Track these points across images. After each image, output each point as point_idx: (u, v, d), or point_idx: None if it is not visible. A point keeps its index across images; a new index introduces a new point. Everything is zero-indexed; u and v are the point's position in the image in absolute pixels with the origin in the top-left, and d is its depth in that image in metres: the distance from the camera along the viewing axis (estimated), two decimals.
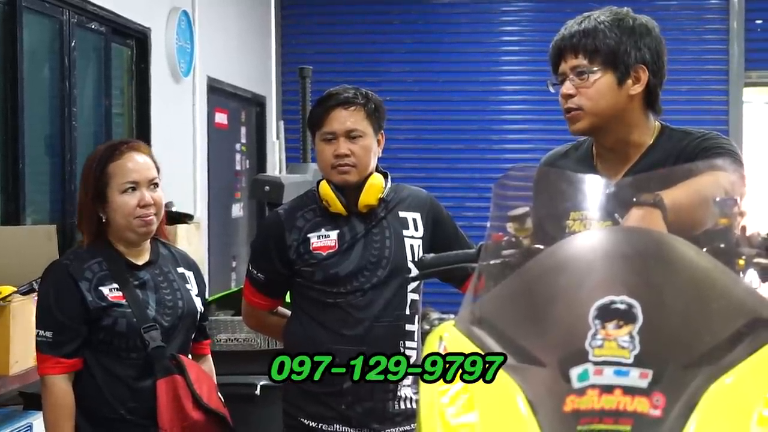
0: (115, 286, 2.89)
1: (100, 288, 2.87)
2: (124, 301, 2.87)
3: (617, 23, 2.54)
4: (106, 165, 2.92)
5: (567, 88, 2.56)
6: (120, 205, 2.90)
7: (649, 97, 2.60)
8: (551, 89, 2.65)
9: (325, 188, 3.11)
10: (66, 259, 2.97)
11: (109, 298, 2.86)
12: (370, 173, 3.13)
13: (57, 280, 2.90)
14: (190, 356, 3.04)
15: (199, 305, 3.06)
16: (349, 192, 3.10)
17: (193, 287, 3.07)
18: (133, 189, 2.91)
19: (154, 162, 3.01)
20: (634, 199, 2.05)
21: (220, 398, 3.02)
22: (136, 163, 2.93)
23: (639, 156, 2.59)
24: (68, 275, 2.87)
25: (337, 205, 3.09)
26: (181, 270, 3.07)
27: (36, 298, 3.00)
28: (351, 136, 3.08)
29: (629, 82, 2.55)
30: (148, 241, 3.01)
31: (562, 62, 2.58)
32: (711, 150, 2.47)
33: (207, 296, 3.21)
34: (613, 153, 2.62)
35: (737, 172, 2.25)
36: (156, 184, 2.97)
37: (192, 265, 3.15)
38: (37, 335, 2.88)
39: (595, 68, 2.52)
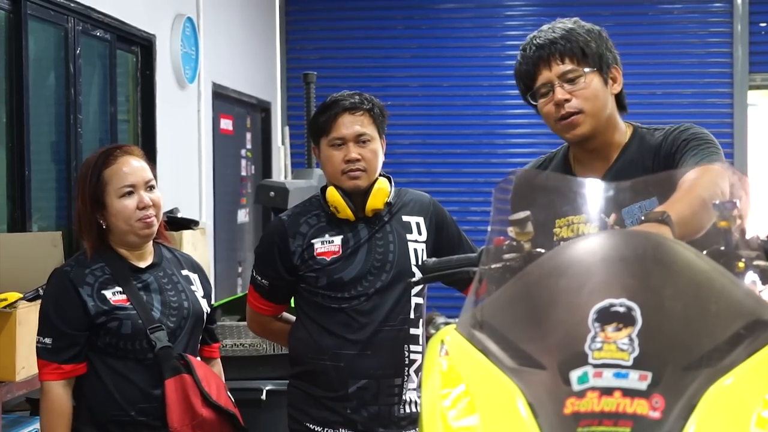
0: (119, 289, 2.90)
1: (103, 292, 2.89)
2: (128, 304, 2.88)
3: (584, 28, 2.60)
4: (101, 171, 2.94)
5: (561, 93, 2.57)
6: (119, 209, 2.92)
7: (619, 97, 2.65)
8: (531, 101, 2.66)
9: (333, 194, 3.11)
10: (67, 265, 2.98)
11: (112, 302, 2.87)
12: (376, 178, 3.14)
13: (57, 287, 2.92)
14: (198, 358, 3.05)
15: (205, 306, 3.07)
16: (356, 197, 3.11)
17: (198, 289, 3.08)
18: (131, 192, 2.92)
19: (149, 164, 3.02)
20: (642, 217, 2.06)
21: (230, 397, 3.03)
22: (131, 166, 2.95)
23: (616, 156, 2.62)
24: (68, 282, 2.89)
25: (346, 211, 3.10)
26: (185, 272, 3.09)
27: None
28: (360, 140, 3.09)
29: (610, 81, 2.60)
30: (151, 244, 3.03)
31: (545, 72, 2.58)
32: (690, 141, 2.50)
33: (212, 299, 3.22)
34: (594, 156, 2.65)
35: (728, 167, 2.28)
36: (152, 186, 2.98)
37: (197, 268, 3.16)
38: (38, 342, 2.90)
39: (587, 70, 2.55)
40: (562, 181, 2.22)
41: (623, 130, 2.66)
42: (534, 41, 2.61)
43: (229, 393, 3.06)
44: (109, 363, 2.89)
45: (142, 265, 2.99)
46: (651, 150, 2.57)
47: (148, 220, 2.93)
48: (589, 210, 2.11)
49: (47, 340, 2.87)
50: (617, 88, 2.62)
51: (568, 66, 2.56)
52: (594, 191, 2.13)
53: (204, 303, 3.08)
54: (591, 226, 2.08)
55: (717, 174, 2.21)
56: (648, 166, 2.53)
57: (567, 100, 2.56)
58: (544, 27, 2.63)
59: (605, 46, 2.60)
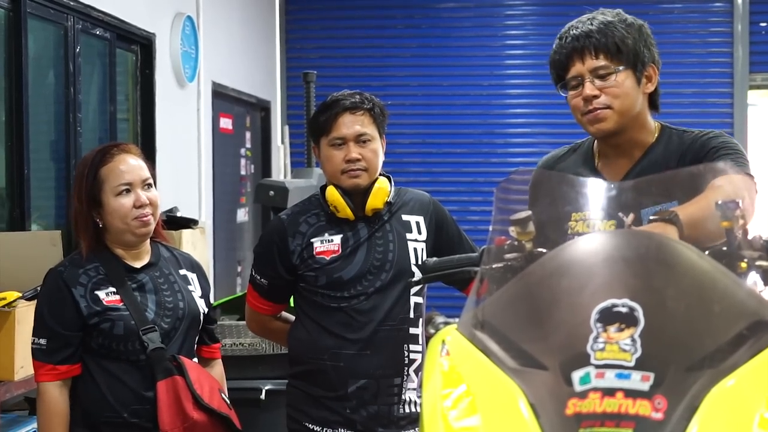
0: (112, 289, 2.88)
1: (96, 292, 2.87)
2: (121, 305, 2.87)
3: (624, 23, 2.54)
4: (97, 170, 2.91)
5: (590, 89, 2.52)
6: (116, 208, 2.90)
7: (653, 96, 2.60)
8: (561, 92, 2.62)
9: (333, 193, 3.10)
10: (61, 265, 2.96)
11: (105, 302, 2.86)
12: (376, 177, 3.14)
13: (50, 288, 2.90)
14: (195, 359, 3.03)
15: (202, 306, 3.05)
16: (356, 196, 3.10)
17: (196, 289, 3.06)
18: (128, 191, 2.90)
19: (146, 163, 3.00)
20: (651, 217, 2.05)
21: (224, 399, 3.01)
22: (128, 164, 2.93)
23: (641, 155, 2.59)
24: (62, 282, 2.87)
25: (346, 211, 3.09)
26: (183, 272, 3.07)
27: None
28: (361, 140, 3.09)
29: (644, 80, 2.55)
30: (148, 243, 3.01)
31: (577, 64, 2.54)
32: (720, 149, 2.46)
33: (211, 299, 3.20)
34: (619, 153, 2.61)
35: (744, 175, 2.26)
36: (149, 184, 2.96)
37: (195, 267, 3.14)
38: (32, 342, 2.88)
39: (620, 67, 2.50)
40: (582, 180, 2.19)
41: (651, 130, 2.62)
42: (570, 31, 2.56)
43: (224, 395, 3.04)
44: (103, 364, 2.88)
45: (138, 264, 2.97)
46: (677, 153, 2.54)
47: (145, 218, 2.92)
48: (606, 208, 2.09)
49: (42, 341, 2.86)
50: (650, 87, 2.57)
51: (601, 62, 2.51)
52: (613, 190, 2.11)
53: (201, 303, 3.06)
54: (607, 224, 2.07)
55: (742, 186, 2.18)
56: (672, 169, 2.47)
57: (595, 96, 2.52)
58: (584, 17, 2.57)
59: (644, 42, 2.53)
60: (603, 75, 2.51)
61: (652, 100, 2.62)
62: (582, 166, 2.64)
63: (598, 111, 2.52)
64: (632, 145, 2.60)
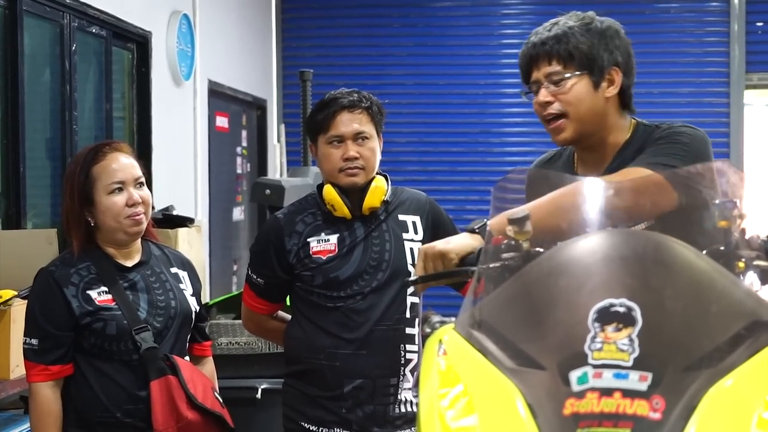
0: (104, 289, 2.87)
1: (88, 292, 2.86)
2: (113, 304, 2.86)
3: (586, 27, 2.53)
4: (89, 168, 2.90)
5: (543, 95, 2.53)
6: (108, 206, 2.89)
7: (623, 97, 2.60)
8: (525, 98, 2.64)
9: (330, 192, 3.10)
10: (52, 265, 2.94)
11: (97, 302, 2.85)
12: (373, 176, 3.13)
13: (42, 287, 2.89)
14: (187, 357, 3.03)
15: (194, 305, 3.04)
16: (353, 195, 3.10)
17: (187, 287, 3.05)
18: (120, 189, 2.89)
19: (138, 161, 3.00)
20: None
21: (217, 398, 3.01)
22: (120, 163, 2.92)
23: (613, 156, 2.59)
24: (53, 282, 2.86)
25: (343, 209, 3.09)
26: (174, 270, 3.06)
27: None
28: (359, 138, 3.09)
29: (604, 84, 2.54)
30: (139, 241, 3.00)
31: (535, 70, 2.56)
32: (659, 140, 2.47)
33: (207, 297, 3.20)
34: (594, 156, 2.61)
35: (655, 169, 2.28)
36: (142, 183, 2.95)
37: (186, 265, 3.13)
38: (24, 343, 2.88)
39: (571, 73, 2.50)
40: (571, 179, 2.20)
41: (624, 129, 2.60)
42: (532, 38, 2.59)
43: (217, 394, 3.03)
44: (95, 364, 2.87)
45: (129, 263, 2.96)
46: (640, 149, 2.53)
47: (137, 217, 2.91)
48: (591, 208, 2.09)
49: (33, 341, 2.85)
50: (613, 90, 2.54)
51: (554, 68, 2.52)
52: (597, 190, 2.11)
53: (193, 301, 3.05)
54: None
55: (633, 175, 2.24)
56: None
57: (549, 102, 2.53)
58: (548, 23, 2.58)
59: (605, 46, 2.52)
60: (556, 81, 2.53)
61: (624, 101, 2.61)
62: (563, 171, 2.65)
63: (557, 122, 2.54)
64: (603, 147, 2.59)
